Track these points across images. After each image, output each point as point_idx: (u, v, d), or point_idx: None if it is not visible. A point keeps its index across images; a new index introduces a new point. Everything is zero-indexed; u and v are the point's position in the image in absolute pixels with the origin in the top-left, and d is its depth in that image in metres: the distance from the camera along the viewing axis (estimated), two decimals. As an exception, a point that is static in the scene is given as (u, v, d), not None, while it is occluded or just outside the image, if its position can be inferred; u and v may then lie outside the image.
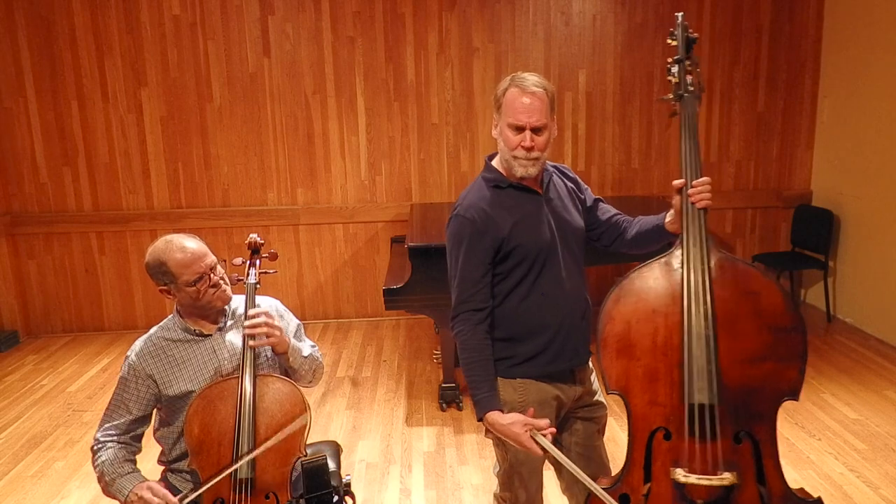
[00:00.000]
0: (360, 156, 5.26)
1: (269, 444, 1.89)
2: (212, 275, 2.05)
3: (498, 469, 2.22)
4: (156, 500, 1.87)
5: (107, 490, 1.97)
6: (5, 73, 4.95)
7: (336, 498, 1.92)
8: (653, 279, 1.85)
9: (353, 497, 2.06)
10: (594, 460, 2.18)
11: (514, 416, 1.87)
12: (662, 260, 1.85)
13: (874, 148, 4.70)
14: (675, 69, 1.98)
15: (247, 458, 1.87)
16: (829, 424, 3.59)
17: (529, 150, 1.91)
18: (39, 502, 3.14)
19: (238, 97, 5.10)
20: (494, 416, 1.90)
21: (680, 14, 2.02)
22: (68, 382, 4.44)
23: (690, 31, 2.01)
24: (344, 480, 2.06)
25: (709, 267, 1.81)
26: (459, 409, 3.92)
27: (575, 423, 2.17)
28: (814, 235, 5.16)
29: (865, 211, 4.84)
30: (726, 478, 1.74)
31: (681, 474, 1.75)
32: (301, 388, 2.22)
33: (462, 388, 4.07)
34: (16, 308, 5.20)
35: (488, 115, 5.23)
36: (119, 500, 1.95)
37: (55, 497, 3.17)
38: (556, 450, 1.85)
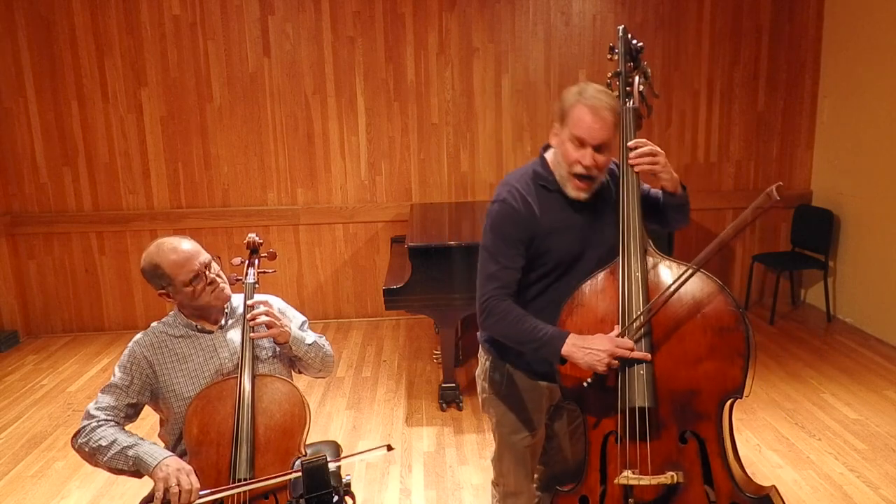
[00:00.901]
0: (360, 156, 5.26)
1: (263, 483, 1.86)
2: (207, 272, 2.05)
3: (493, 455, 2.30)
4: (188, 484, 1.80)
5: (116, 457, 1.88)
6: (5, 73, 4.95)
7: (336, 498, 1.92)
8: (598, 289, 1.89)
9: (353, 497, 2.06)
10: (580, 440, 2.26)
11: (598, 336, 1.81)
12: (607, 269, 1.90)
13: (874, 148, 4.70)
14: (616, 82, 1.98)
15: (242, 489, 1.85)
16: (829, 424, 3.59)
17: (588, 168, 1.86)
18: (39, 502, 3.14)
19: (238, 97, 5.10)
20: (571, 341, 1.81)
21: (621, 27, 2.02)
22: (68, 382, 4.44)
23: (635, 41, 1.99)
24: (344, 480, 2.05)
25: (644, 274, 1.84)
26: (459, 409, 3.92)
27: (562, 411, 2.27)
28: (814, 235, 5.16)
29: (865, 211, 4.83)
30: (668, 476, 1.77)
31: (624, 477, 1.79)
32: (316, 377, 2.24)
33: (462, 388, 4.07)
34: (16, 308, 5.20)
35: (488, 115, 5.23)
36: (135, 470, 1.88)
37: (55, 497, 3.17)
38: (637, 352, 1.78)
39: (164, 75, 5.04)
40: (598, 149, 1.86)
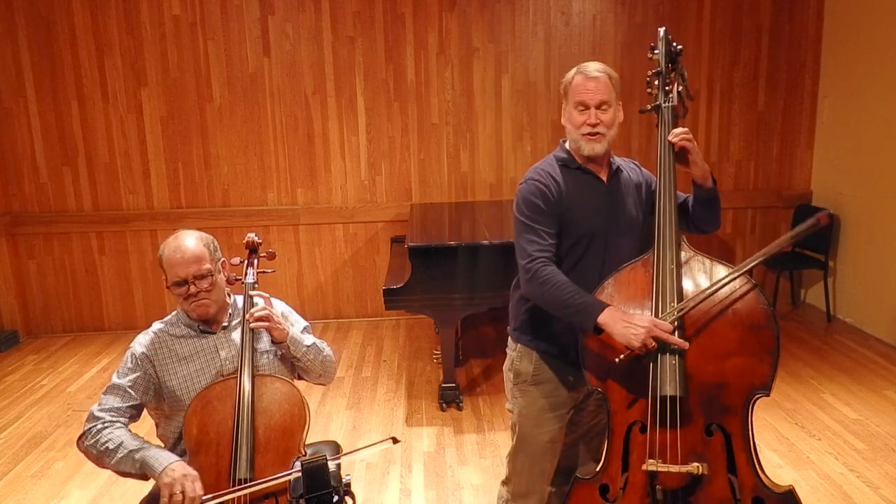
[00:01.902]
0: (360, 156, 5.26)
1: (266, 483, 1.86)
2: (193, 285, 2.00)
3: (509, 451, 2.31)
4: (192, 491, 1.80)
5: (123, 461, 1.88)
6: (5, 73, 4.95)
7: (336, 498, 1.92)
8: (630, 279, 1.95)
9: (353, 497, 2.05)
10: (597, 438, 2.32)
11: (637, 315, 1.85)
12: (639, 261, 1.96)
13: (874, 148, 4.69)
14: (656, 81, 2.12)
15: (243, 491, 1.84)
16: (829, 424, 3.59)
17: (595, 125, 2.01)
18: (39, 502, 3.14)
19: (238, 97, 5.10)
20: (611, 311, 1.85)
21: (662, 28, 2.12)
22: (68, 382, 4.44)
23: (675, 43, 2.12)
24: (344, 480, 2.05)
25: (678, 266, 1.89)
26: (459, 409, 3.92)
27: (589, 406, 2.30)
28: (814, 235, 5.12)
29: (865, 211, 4.83)
30: (693, 467, 1.80)
31: (652, 464, 1.82)
32: (317, 384, 2.25)
33: (462, 388, 4.07)
34: (16, 308, 5.20)
35: (488, 115, 5.23)
36: (142, 473, 1.88)
37: (55, 497, 3.17)
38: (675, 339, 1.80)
39: (164, 75, 5.04)
40: (600, 108, 2.02)
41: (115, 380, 2.03)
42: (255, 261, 2.31)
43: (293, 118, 5.17)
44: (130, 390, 2.01)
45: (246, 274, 2.24)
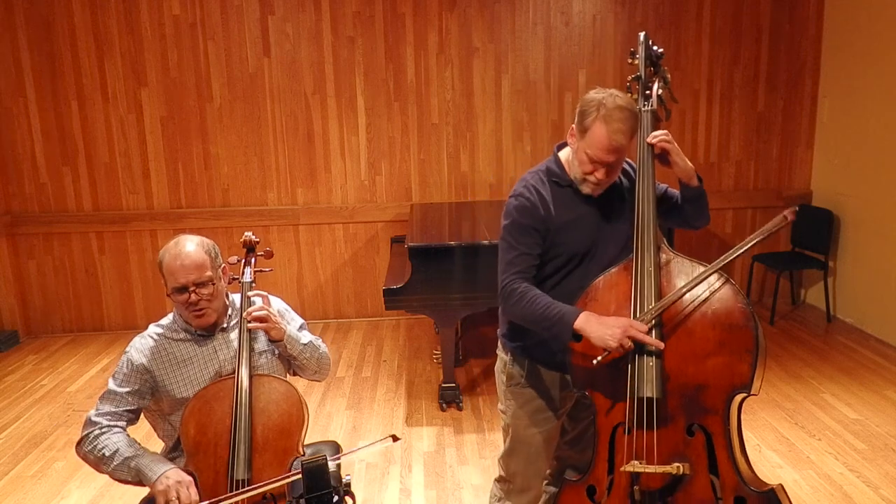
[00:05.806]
0: (360, 156, 5.26)
1: (268, 486, 1.85)
2: (193, 293, 1.97)
3: (502, 452, 2.31)
4: (187, 497, 1.81)
5: (119, 468, 1.91)
6: (5, 73, 4.96)
7: (336, 498, 1.92)
8: (611, 284, 1.96)
9: (353, 497, 2.05)
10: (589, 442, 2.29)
11: (613, 317, 1.86)
12: (621, 265, 1.98)
13: (874, 148, 4.69)
14: (636, 86, 2.07)
15: (242, 496, 1.83)
16: (829, 424, 3.58)
17: (600, 181, 1.97)
18: (39, 502, 3.14)
19: (238, 97, 5.10)
20: (586, 316, 1.86)
21: (642, 33, 2.09)
22: (68, 382, 4.44)
23: (655, 47, 2.08)
24: (344, 480, 2.05)
25: (657, 268, 1.90)
26: (459, 409, 3.91)
27: (579, 407, 2.29)
28: (814, 235, 5.16)
29: (865, 211, 4.83)
30: (674, 467, 1.80)
31: (631, 465, 1.82)
32: (311, 380, 2.25)
33: (462, 388, 4.07)
34: (16, 308, 5.20)
35: (488, 115, 5.23)
36: (138, 480, 1.90)
37: (55, 497, 3.17)
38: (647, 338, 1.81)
39: (164, 75, 5.04)
40: (610, 166, 1.95)
41: (111, 385, 2.02)
42: (253, 260, 2.31)
43: (293, 118, 5.17)
44: (127, 396, 2.00)
45: (243, 273, 2.23)
